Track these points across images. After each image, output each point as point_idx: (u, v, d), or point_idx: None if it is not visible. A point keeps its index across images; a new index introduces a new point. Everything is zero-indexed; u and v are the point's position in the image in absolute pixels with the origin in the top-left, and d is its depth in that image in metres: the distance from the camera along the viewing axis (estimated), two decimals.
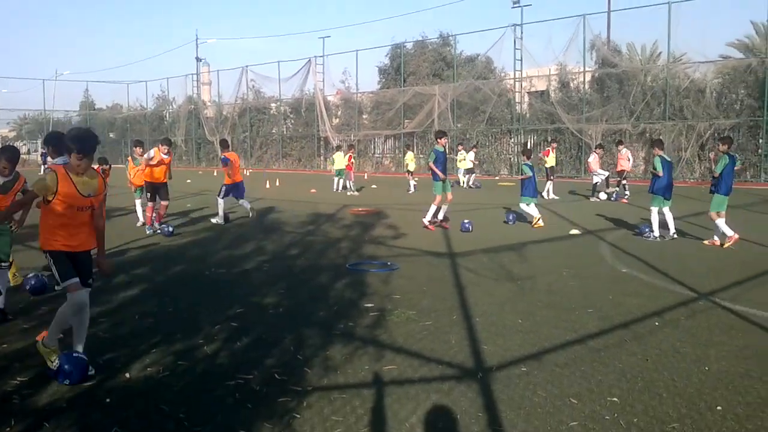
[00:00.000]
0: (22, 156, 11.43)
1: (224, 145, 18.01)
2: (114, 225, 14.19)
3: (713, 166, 11.70)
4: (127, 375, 5.17)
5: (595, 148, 23.50)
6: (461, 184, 27.58)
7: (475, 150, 30.25)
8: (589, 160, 22.88)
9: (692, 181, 29.07)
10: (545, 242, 12.20)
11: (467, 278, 8.91)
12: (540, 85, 37.10)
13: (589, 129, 32.83)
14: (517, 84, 37.52)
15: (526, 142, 37.03)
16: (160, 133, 57.42)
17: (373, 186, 29.15)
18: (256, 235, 13.31)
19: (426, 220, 14.00)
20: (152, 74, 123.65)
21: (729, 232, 11.38)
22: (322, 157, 47.56)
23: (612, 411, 4.47)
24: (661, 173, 12.26)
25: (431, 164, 13.89)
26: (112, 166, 14.75)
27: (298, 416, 4.42)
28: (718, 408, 4.50)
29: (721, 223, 11.45)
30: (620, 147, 22.63)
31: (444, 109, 38.58)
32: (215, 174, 39.21)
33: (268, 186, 28.13)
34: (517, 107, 37.50)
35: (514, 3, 37.19)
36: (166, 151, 14.21)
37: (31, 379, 5.12)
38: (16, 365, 5.42)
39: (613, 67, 33.47)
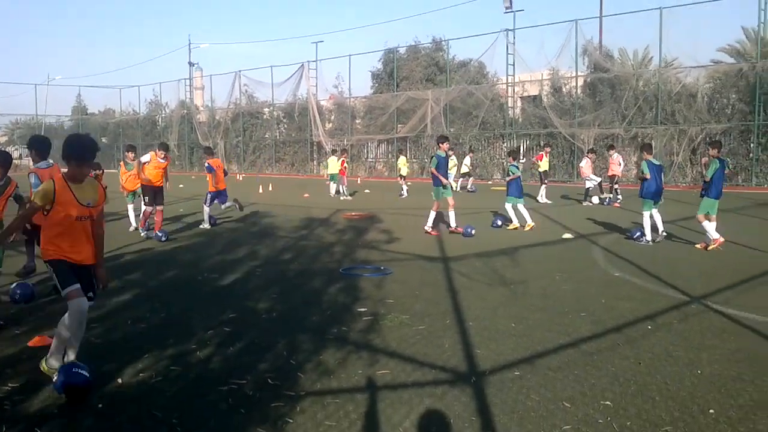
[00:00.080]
0: (14, 161, 11.37)
1: (208, 152, 17.79)
2: (106, 230, 14.10)
3: (704, 171, 11.77)
4: (120, 380, 5.15)
5: (588, 153, 23.58)
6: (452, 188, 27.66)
7: (471, 155, 30.38)
8: (582, 164, 22.94)
9: (684, 185, 29.20)
10: (538, 246, 12.23)
11: (460, 282, 8.91)
12: (532, 90, 37.24)
13: (581, 133, 32.96)
14: (510, 89, 37.64)
15: (519, 146, 37.14)
16: (152, 138, 57.36)
17: (366, 191, 29.16)
18: (249, 240, 13.28)
19: (427, 227, 13.96)
20: (145, 79, 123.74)
21: (714, 234, 11.47)
22: (315, 162, 47.58)
23: (605, 415, 4.47)
24: (648, 176, 12.35)
25: (433, 170, 13.79)
26: (105, 171, 14.72)
27: (291, 421, 4.41)
28: (711, 411, 4.52)
29: (707, 225, 11.53)
30: (611, 152, 22.70)
31: (437, 113, 38.68)
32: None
33: (261, 191, 28.09)
34: (509, 112, 37.63)
35: (507, 8, 37.37)
36: (162, 155, 14.10)
37: (23, 385, 5.09)
38: (7, 371, 5.39)
39: (605, 72, 33.62)
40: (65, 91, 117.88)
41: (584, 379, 5.13)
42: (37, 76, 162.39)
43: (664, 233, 12.55)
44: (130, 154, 14.87)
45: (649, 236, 12.31)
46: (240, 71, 51.44)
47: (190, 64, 62.13)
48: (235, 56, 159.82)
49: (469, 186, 28.03)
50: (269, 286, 8.80)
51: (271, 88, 49.16)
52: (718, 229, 11.65)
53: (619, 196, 21.13)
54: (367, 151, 45.65)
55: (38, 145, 8.32)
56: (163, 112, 60.13)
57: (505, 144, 37.20)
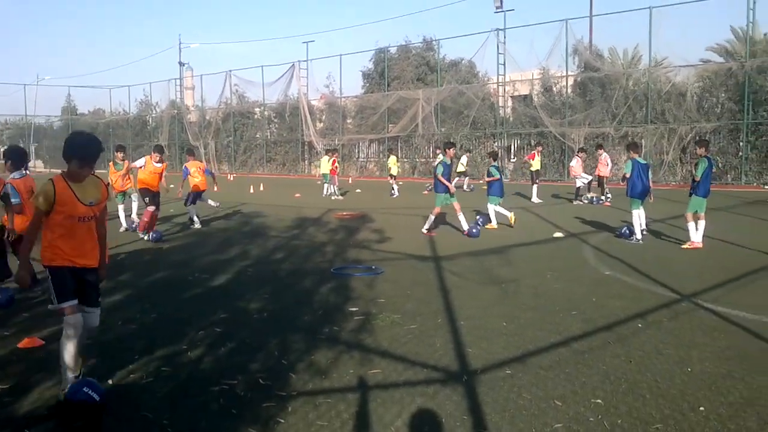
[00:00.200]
0: (0, 161, 11.20)
1: (189, 153, 17.50)
2: None
3: (694, 171, 11.84)
4: (110, 381, 5.13)
5: (578, 152, 23.64)
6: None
7: (467, 154, 30.46)
8: (572, 164, 23.00)
9: (674, 183, 29.33)
10: (529, 245, 12.26)
11: (452, 281, 8.92)
12: (523, 89, 37.33)
13: (572, 133, 33.05)
14: (501, 88, 37.69)
15: (509, 145, 37.27)
16: (142, 138, 57.22)
17: (358, 190, 29.15)
18: (240, 240, 13.26)
19: (424, 229, 13.89)
20: (135, 79, 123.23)
21: (694, 236, 11.56)
22: (306, 162, 47.55)
23: (596, 413, 4.49)
24: (628, 174, 12.47)
25: (440, 176, 13.60)
26: (95, 171, 14.63)
27: (283, 421, 4.40)
28: (701, 408, 4.54)
29: (691, 226, 11.60)
30: (600, 151, 22.74)
31: (428, 113, 38.70)
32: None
33: (252, 191, 28.04)
34: (500, 111, 37.68)
35: (497, 8, 37.43)
36: (158, 159, 13.99)
37: (12, 386, 5.06)
38: None
39: (595, 71, 33.73)
40: (55, 92, 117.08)
41: (575, 378, 5.15)
42: (26, 76, 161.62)
43: (644, 231, 12.71)
44: (120, 154, 14.82)
45: (639, 235, 12.36)
46: (231, 71, 51.36)
47: (181, 63, 61.94)
48: (225, 56, 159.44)
49: (465, 186, 28.06)
50: (261, 286, 8.78)
51: (261, 87, 49.09)
52: (707, 228, 11.73)
53: (609, 194, 21.19)
54: (359, 151, 45.65)
55: (14, 156, 8.28)
56: (154, 112, 59.91)
57: (496, 143, 37.27)
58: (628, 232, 12.73)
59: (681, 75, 31.37)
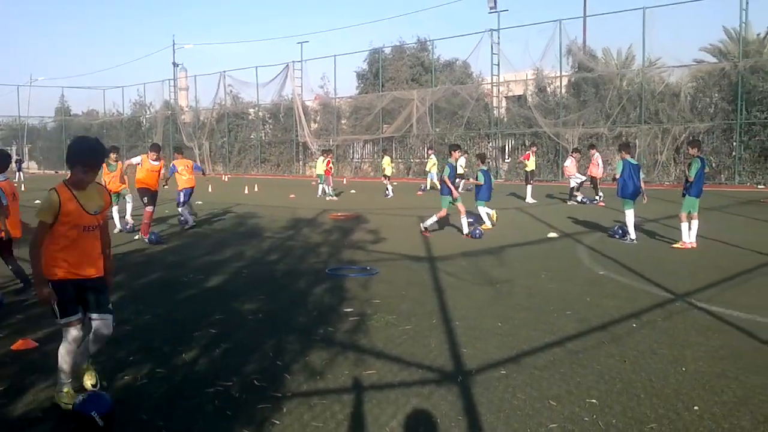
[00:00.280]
0: None
1: (178, 151, 17.33)
2: None
3: (687, 171, 11.88)
4: (104, 383, 5.11)
5: (572, 152, 23.69)
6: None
7: (465, 156, 30.51)
8: (566, 164, 23.03)
9: (668, 183, 29.42)
10: (523, 246, 12.28)
11: (446, 282, 8.93)
12: (517, 90, 37.40)
13: (566, 133, 33.12)
14: (495, 88, 37.75)
15: (504, 145, 37.34)
16: (137, 139, 57.09)
17: (352, 191, 29.15)
18: (235, 241, 13.24)
19: (423, 226, 13.85)
20: (129, 80, 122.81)
21: (686, 237, 11.61)
22: (300, 163, 47.53)
23: (591, 412, 4.50)
24: (618, 175, 12.54)
25: (446, 178, 13.50)
26: None
27: (278, 422, 4.40)
28: (695, 408, 4.55)
29: (684, 226, 11.64)
30: (592, 151, 22.77)
31: (422, 113, 38.75)
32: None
33: (246, 192, 28.01)
34: (494, 112, 37.73)
35: (491, 8, 37.47)
36: (154, 157, 13.87)
37: (6, 389, 5.03)
38: None
39: (589, 72, 33.83)
40: (48, 92, 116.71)
41: (570, 378, 5.16)
42: (19, 77, 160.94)
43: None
44: (113, 156, 14.78)
45: (633, 234, 12.39)
46: (225, 72, 51.33)
47: (175, 64, 61.85)
48: (219, 57, 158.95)
49: (461, 187, 28.08)
50: (255, 287, 8.77)
51: (256, 88, 49.09)
52: (701, 227, 11.77)
53: (601, 194, 21.22)
54: (353, 152, 45.68)
55: None
56: (148, 112, 59.82)
57: (491, 144, 37.34)
58: (621, 232, 12.77)
59: (674, 75, 31.52)
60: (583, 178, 22.26)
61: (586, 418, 4.40)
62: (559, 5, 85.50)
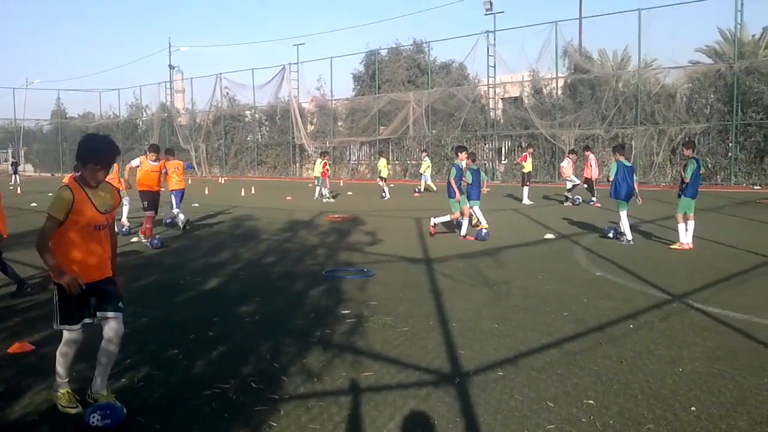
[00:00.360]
0: None
1: (169, 152, 17.29)
2: None
3: (683, 172, 11.90)
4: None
5: (569, 154, 23.71)
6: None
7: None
8: (563, 164, 23.06)
9: (664, 184, 29.47)
10: (520, 247, 12.29)
11: (443, 284, 8.93)
12: (513, 91, 37.45)
13: (562, 134, 33.18)
14: (491, 90, 37.79)
15: (500, 147, 37.38)
16: (133, 141, 57.02)
17: (349, 193, 29.14)
18: (232, 243, 13.23)
19: (434, 221, 13.74)
20: (125, 82, 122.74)
21: (683, 237, 11.62)
22: (297, 165, 47.52)
23: (588, 413, 4.50)
24: (611, 178, 12.63)
25: (452, 180, 13.46)
26: None
27: (275, 425, 4.39)
28: (692, 408, 4.56)
29: (681, 227, 11.66)
30: (587, 153, 22.80)
31: (419, 115, 38.79)
32: (189, 182, 38.92)
33: (243, 194, 27.98)
34: (491, 113, 37.78)
35: (487, 10, 37.54)
36: (154, 158, 13.70)
37: (3, 392, 5.02)
38: None
39: (585, 73, 33.88)
40: (44, 95, 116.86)
41: (567, 379, 5.16)
42: (15, 79, 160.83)
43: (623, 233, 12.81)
44: None
45: (629, 235, 12.41)
46: (221, 74, 51.34)
47: (171, 66, 61.76)
48: (215, 59, 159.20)
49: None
50: (252, 289, 8.76)
51: (252, 90, 49.12)
52: (697, 228, 11.80)
53: (596, 196, 21.25)
54: (350, 154, 45.69)
55: None
56: (144, 115, 59.76)
57: (487, 145, 37.37)
58: (613, 232, 12.82)
59: (670, 76, 31.62)
60: (576, 181, 22.25)
61: (584, 419, 4.41)
62: (555, 7, 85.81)
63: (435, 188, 28.06)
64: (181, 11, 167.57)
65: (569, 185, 21.92)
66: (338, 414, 4.55)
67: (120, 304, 4.72)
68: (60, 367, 4.69)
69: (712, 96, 30.37)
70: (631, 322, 6.80)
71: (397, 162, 40.92)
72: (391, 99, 40.63)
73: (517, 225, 15.85)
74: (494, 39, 36.94)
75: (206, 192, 28.31)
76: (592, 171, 22.01)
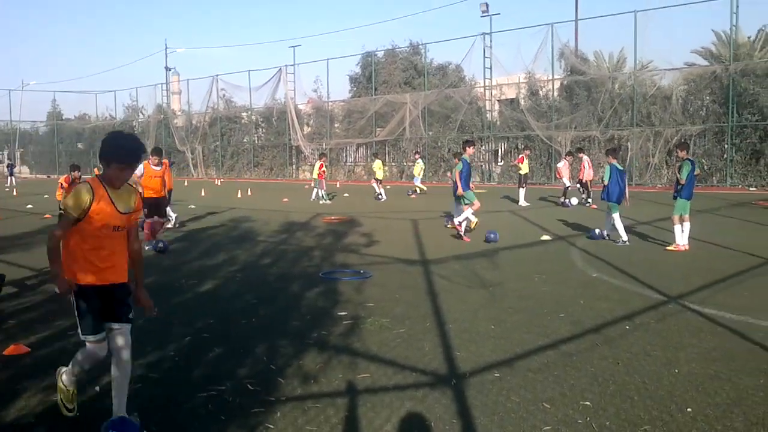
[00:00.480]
0: None
1: (154, 152, 17.17)
2: None
3: (678, 174, 11.94)
4: (97, 388, 5.08)
5: (565, 155, 23.76)
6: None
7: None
8: (559, 165, 23.10)
9: (660, 186, 29.53)
10: (516, 248, 12.29)
11: (440, 285, 8.93)
12: (510, 93, 37.52)
13: (558, 136, 33.23)
14: (487, 92, 37.84)
15: (497, 148, 37.42)
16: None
17: (345, 194, 29.14)
18: (228, 245, 13.21)
19: (457, 220, 13.53)
20: (121, 84, 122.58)
21: (679, 239, 11.65)
22: (293, 166, 47.51)
23: (585, 415, 4.50)
24: (606, 182, 12.75)
25: (456, 173, 13.38)
26: (82, 176, 14.57)
27: (272, 427, 4.38)
28: (689, 410, 4.56)
29: (677, 229, 11.69)
30: (580, 155, 22.84)
31: (415, 117, 38.84)
32: (186, 184, 38.91)
33: (239, 195, 27.96)
34: (487, 115, 37.82)
35: (483, 12, 37.56)
36: (156, 162, 13.34)
37: None
38: None
39: (581, 75, 33.95)
40: (40, 97, 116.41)
41: (564, 380, 5.16)
42: (11, 81, 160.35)
43: (608, 236, 12.93)
44: None
45: (625, 237, 12.44)
46: (217, 75, 51.37)
47: (167, 68, 61.74)
48: (212, 60, 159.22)
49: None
50: (249, 290, 8.75)
51: (248, 92, 49.11)
52: (693, 230, 11.83)
53: (590, 199, 21.28)
54: (346, 155, 45.69)
55: None
56: (140, 116, 59.71)
57: (483, 147, 37.40)
58: (602, 233, 12.90)
59: (666, 78, 31.72)
60: (568, 183, 22.27)
61: (580, 421, 4.41)
62: (551, 9, 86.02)
63: (425, 189, 28.13)
64: (177, 13, 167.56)
65: (567, 185, 22.00)
66: (335, 416, 4.55)
67: (130, 315, 4.48)
68: (66, 376, 4.53)
69: (707, 98, 30.47)
70: (627, 324, 6.81)
71: (393, 164, 40.94)
72: (388, 101, 40.67)
73: (514, 226, 15.86)
74: (491, 41, 37.02)
75: (203, 194, 28.27)
76: (586, 172, 22.06)
